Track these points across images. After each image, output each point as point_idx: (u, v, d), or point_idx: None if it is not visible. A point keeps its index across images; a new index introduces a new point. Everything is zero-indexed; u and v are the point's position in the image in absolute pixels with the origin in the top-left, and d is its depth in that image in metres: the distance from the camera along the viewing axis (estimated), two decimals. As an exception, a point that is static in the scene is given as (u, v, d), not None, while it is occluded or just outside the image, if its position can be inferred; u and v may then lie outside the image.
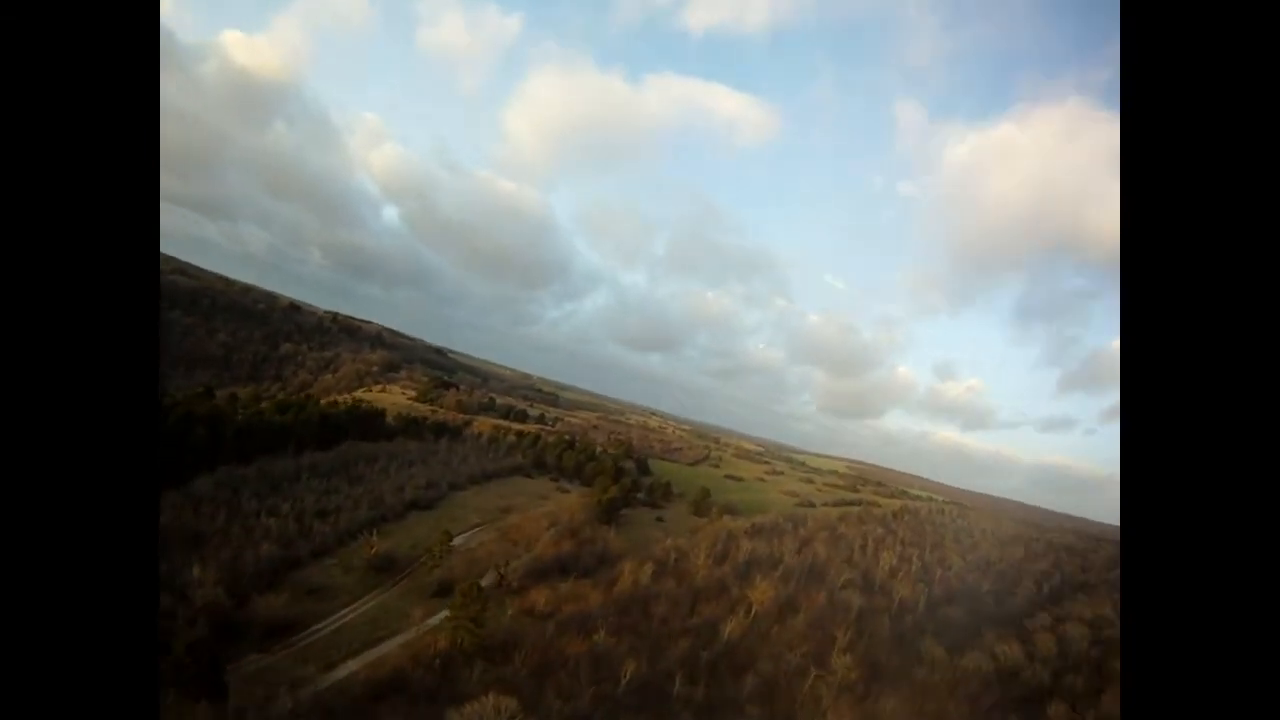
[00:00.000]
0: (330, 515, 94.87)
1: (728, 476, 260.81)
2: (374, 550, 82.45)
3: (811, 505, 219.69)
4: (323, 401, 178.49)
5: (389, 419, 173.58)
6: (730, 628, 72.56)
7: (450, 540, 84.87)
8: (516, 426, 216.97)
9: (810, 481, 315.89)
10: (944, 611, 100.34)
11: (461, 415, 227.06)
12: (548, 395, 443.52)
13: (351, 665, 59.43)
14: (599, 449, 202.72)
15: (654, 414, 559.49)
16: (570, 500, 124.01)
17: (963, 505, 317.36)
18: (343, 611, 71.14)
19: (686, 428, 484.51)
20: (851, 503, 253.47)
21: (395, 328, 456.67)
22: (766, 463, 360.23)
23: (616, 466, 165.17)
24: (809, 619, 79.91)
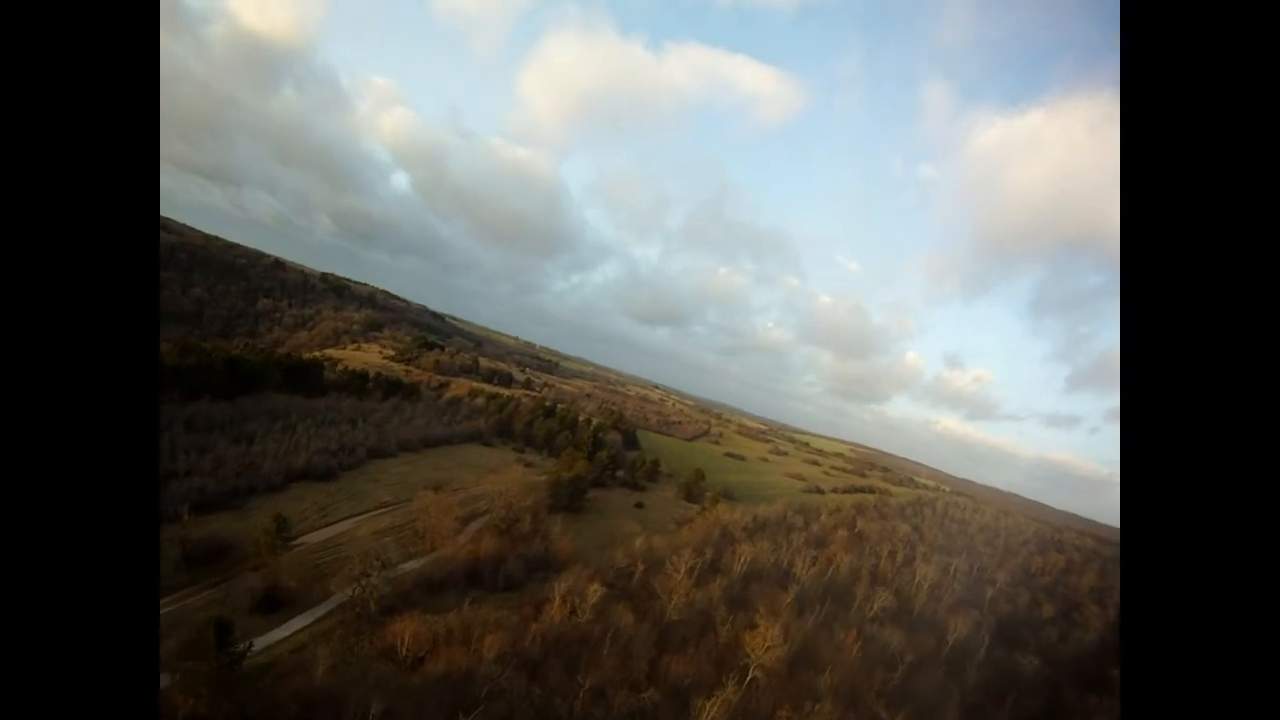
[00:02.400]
0: (172, 480, 65.74)
1: (728, 454, 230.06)
2: (184, 532, 52.42)
3: (820, 491, 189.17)
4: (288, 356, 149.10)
5: (332, 373, 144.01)
6: (708, 713, 41.53)
7: (281, 528, 54.54)
8: (490, 389, 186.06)
9: (816, 464, 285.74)
10: (1011, 660, 69.56)
11: (438, 376, 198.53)
12: (546, 362, 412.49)
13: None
14: (583, 417, 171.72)
15: (657, 387, 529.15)
16: (519, 477, 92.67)
17: (972, 497, 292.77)
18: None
19: (689, 402, 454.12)
20: (861, 489, 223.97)
21: (399, 294, 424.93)
22: (770, 441, 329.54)
23: (595, 438, 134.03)
24: (835, 689, 48.95)
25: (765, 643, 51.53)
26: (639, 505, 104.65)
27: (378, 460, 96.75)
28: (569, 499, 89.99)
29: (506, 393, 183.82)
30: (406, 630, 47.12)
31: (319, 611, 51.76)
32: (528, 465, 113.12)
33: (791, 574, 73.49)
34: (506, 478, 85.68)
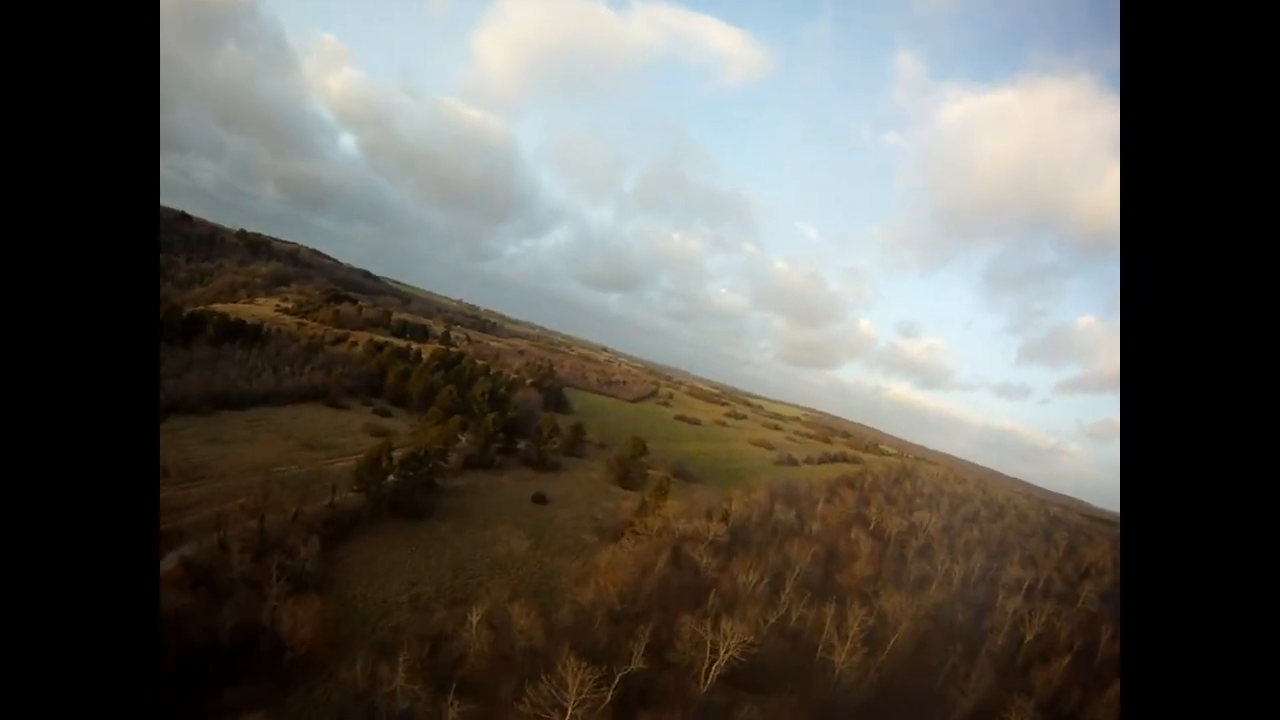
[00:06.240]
0: None
1: (680, 418, 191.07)
2: None
3: (794, 462, 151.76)
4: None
5: (177, 320, 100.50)
6: None
7: None
8: (384, 340, 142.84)
9: (778, 429, 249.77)
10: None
11: (335, 330, 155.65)
12: (486, 323, 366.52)
13: None
14: (495, 371, 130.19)
15: (605, 350, 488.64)
16: (273, 454, 50.03)
17: (937, 464, 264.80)
18: None
19: (639, 365, 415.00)
20: (835, 458, 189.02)
21: (352, 262, 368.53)
22: (725, 404, 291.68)
23: (493, 394, 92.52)
24: None
25: None
26: (539, 499, 63.78)
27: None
28: (405, 495, 49.18)
29: (402, 344, 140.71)
30: None
31: None
32: (378, 435, 71.54)
33: (826, 667, 34.12)
34: (254, 455, 44.10)
